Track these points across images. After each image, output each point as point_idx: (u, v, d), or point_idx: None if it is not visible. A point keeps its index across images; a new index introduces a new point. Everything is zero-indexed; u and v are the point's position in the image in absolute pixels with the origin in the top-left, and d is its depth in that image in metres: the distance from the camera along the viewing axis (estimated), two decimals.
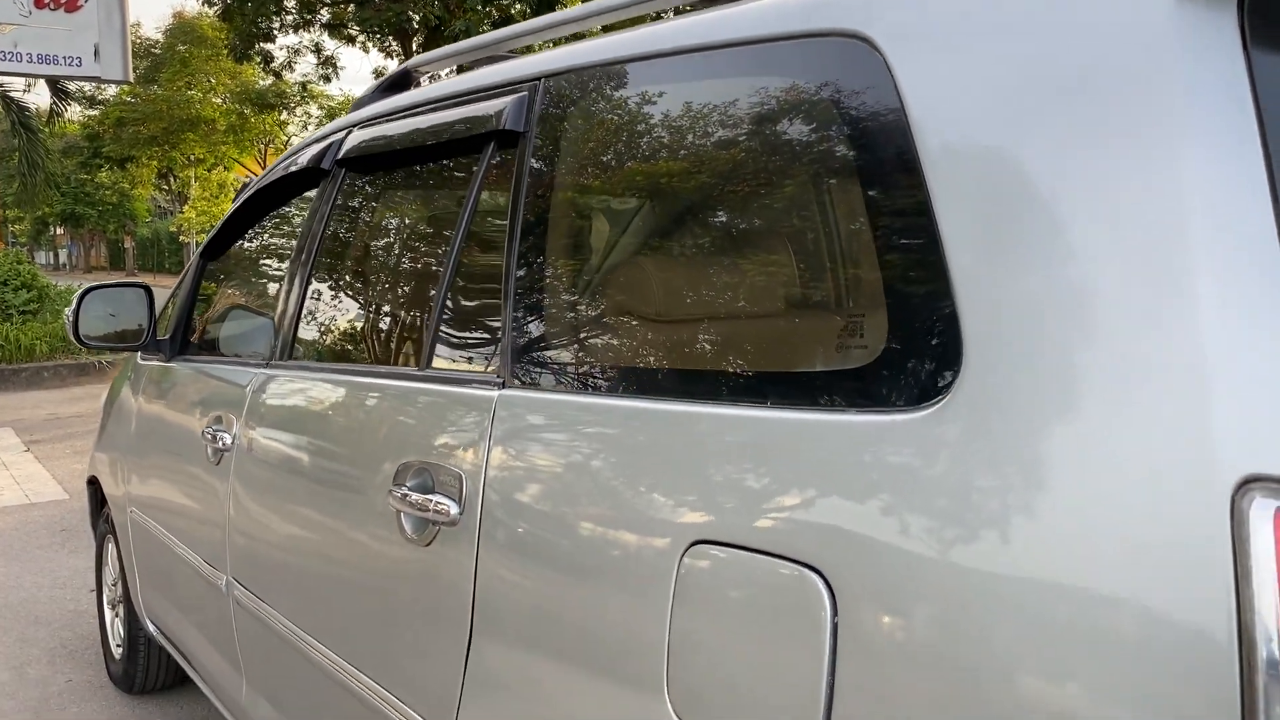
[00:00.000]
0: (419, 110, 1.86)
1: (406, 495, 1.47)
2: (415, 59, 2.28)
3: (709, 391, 1.11)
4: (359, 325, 2.03)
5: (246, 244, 2.78)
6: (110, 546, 3.46)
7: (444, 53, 2.14)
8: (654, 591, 1.06)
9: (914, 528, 0.84)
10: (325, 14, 16.90)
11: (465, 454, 1.41)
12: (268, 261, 2.67)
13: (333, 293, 2.16)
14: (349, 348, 2.04)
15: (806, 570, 0.91)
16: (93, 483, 3.56)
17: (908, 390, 0.89)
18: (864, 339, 0.98)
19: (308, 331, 2.15)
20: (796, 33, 1.09)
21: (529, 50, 1.95)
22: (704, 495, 1.03)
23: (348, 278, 2.15)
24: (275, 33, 17.16)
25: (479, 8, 14.73)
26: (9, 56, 10.52)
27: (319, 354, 2.12)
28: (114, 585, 3.46)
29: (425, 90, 2.00)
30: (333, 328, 2.12)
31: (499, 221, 1.55)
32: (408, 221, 2.03)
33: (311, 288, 2.16)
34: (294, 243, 2.32)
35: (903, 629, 0.83)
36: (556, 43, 2.04)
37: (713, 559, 1.00)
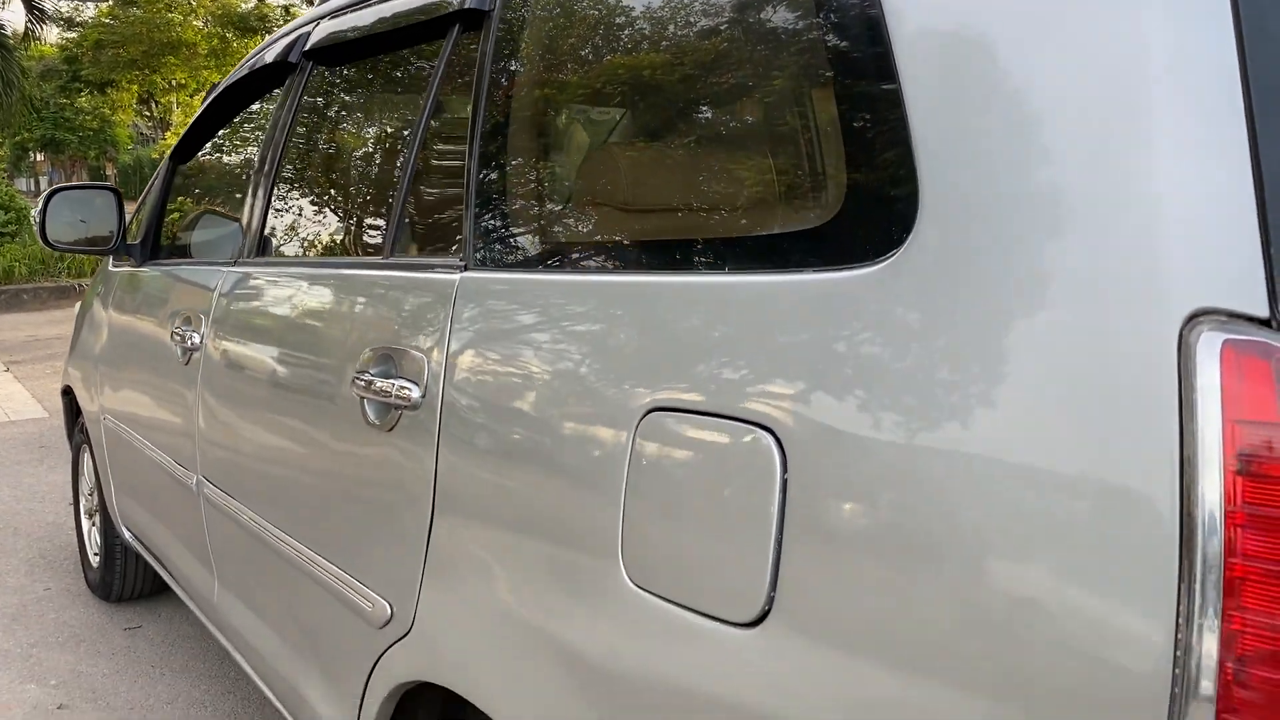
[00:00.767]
0: None
1: (370, 382, 1.46)
2: None
3: (667, 262, 1.10)
4: (325, 220, 2.01)
5: (216, 145, 2.73)
6: (86, 457, 3.45)
7: None
8: (609, 462, 1.05)
9: (862, 382, 0.83)
10: None
11: (427, 337, 1.39)
12: (237, 161, 2.62)
13: (300, 188, 2.12)
14: (316, 243, 2.01)
15: (758, 429, 0.90)
16: (67, 393, 3.55)
17: (863, 245, 0.87)
18: (821, 197, 0.96)
19: (275, 228, 2.12)
20: None
21: None
22: (660, 364, 1.02)
23: (314, 172, 2.12)
24: None
25: None
26: None
27: (286, 250, 2.10)
28: (90, 495, 3.45)
29: None
30: (299, 224, 2.09)
31: (463, 105, 1.52)
32: (374, 112, 1.99)
33: (278, 185, 2.13)
34: (261, 140, 2.28)
35: (850, 484, 0.83)
36: None
37: (667, 426, 0.99)
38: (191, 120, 2.74)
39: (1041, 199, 0.75)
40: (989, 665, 0.73)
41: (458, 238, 1.44)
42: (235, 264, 2.17)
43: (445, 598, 1.32)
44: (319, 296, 1.78)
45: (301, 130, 2.11)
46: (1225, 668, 0.63)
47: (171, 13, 28.15)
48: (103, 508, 3.21)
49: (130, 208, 3.05)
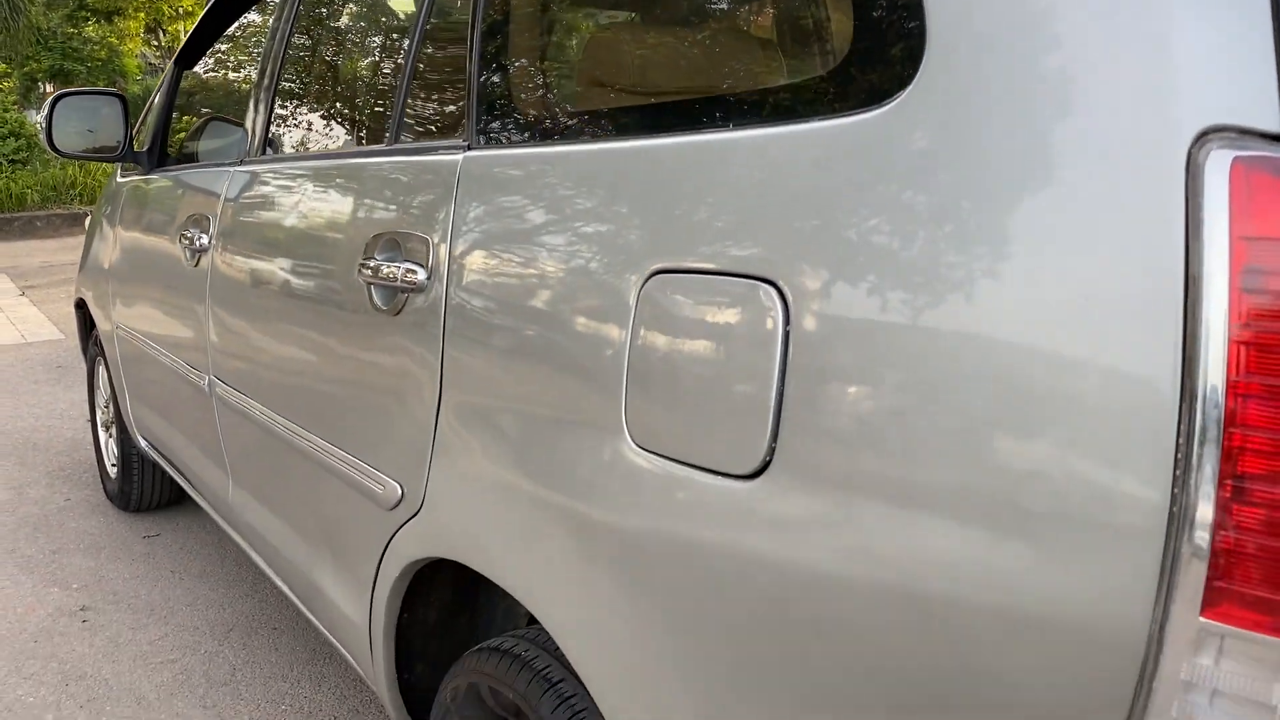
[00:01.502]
0: None
1: (376, 268, 1.46)
2: None
3: (670, 124, 1.08)
4: (330, 114, 1.99)
5: (220, 47, 2.70)
6: (100, 370, 3.48)
7: None
8: (614, 327, 1.05)
9: (864, 230, 0.82)
10: None
11: (431, 219, 1.38)
12: (241, 62, 2.59)
13: (304, 84, 2.10)
14: (321, 137, 1.99)
15: (760, 283, 0.89)
16: (80, 306, 3.56)
17: (868, 91, 0.85)
18: (824, 46, 0.94)
19: (280, 126, 2.11)
20: None
21: None
22: (664, 226, 1.01)
23: (319, 67, 2.09)
24: None
25: None
26: None
27: (291, 147, 2.08)
28: (106, 407, 3.49)
29: None
30: (304, 120, 2.07)
31: None
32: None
33: (282, 82, 2.10)
34: (264, 40, 2.25)
35: (852, 331, 0.82)
36: None
37: (670, 285, 0.99)
38: (195, 22, 2.71)
39: (1046, 19, 0.73)
40: (986, 500, 0.73)
41: (460, 120, 1.43)
42: (241, 164, 2.16)
43: (453, 475, 1.33)
44: (324, 189, 1.77)
45: (303, 25, 2.09)
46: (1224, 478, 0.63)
47: None
48: (119, 419, 3.24)
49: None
